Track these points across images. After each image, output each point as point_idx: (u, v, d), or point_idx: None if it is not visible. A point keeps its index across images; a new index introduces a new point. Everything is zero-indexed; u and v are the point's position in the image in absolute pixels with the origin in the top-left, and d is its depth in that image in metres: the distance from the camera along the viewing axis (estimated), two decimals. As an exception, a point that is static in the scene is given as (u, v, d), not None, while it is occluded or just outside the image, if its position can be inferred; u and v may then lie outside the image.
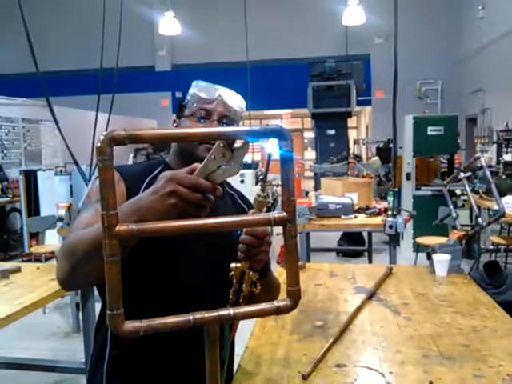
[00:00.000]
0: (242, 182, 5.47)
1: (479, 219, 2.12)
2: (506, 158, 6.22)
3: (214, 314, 0.73)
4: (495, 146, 6.55)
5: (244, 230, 0.93)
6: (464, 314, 1.57)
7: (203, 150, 1.10)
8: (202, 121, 1.14)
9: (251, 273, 0.89)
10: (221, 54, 11.43)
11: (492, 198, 4.31)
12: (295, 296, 0.75)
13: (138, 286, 1.05)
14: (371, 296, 1.79)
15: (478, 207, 4.07)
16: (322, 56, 9.30)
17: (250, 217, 0.73)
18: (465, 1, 10.18)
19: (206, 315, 0.72)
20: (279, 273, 2.16)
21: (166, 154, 1.31)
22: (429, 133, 5.54)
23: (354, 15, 6.72)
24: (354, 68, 8.19)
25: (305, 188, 9.51)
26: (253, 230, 0.90)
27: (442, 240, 2.75)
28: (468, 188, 2.42)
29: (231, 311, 0.73)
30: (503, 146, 6.32)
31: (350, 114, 8.29)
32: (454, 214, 2.39)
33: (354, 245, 5.74)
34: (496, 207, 3.25)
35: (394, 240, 3.51)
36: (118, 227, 0.68)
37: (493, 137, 7.24)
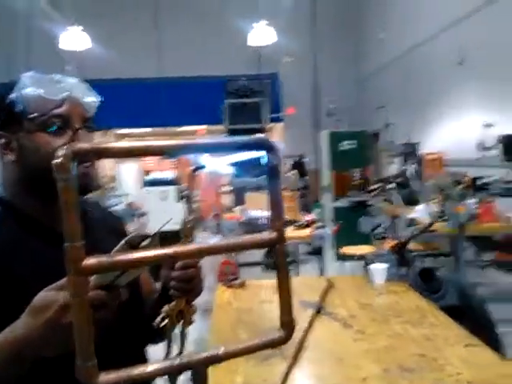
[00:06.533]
0: (164, 199, 5.25)
1: (412, 228, 2.21)
2: (410, 169, 6.73)
3: (202, 356, 0.63)
4: (398, 158, 7.07)
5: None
6: (413, 323, 1.59)
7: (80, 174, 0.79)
8: (59, 132, 0.82)
9: (191, 308, 0.79)
10: (133, 69, 11.08)
11: (408, 207, 4.57)
12: (289, 326, 0.68)
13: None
14: (319, 310, 1.76)
15: (396, 216, 4.31)
16: (237, 74, 9.44)
17: (243, 240, 0.64)
18: (367, 23, 10.96)
19: (194, 358, 0.62)
20: (221, 291, 2.09)
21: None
22: (343, 147, 5.79)
23: (263, 35, 7.09)
24: (265, 86, 8.45)
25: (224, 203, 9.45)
26: (187, 261, 0.81)
27: (368, 249, 2.84)
28: (394, 198, 2.53)
29: (220, 351, 0.63)
30: (405, 158, 6.84)
31: (263, 130, 8.51)
32: (383, 225, 2.48)
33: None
34: (413, 215, 3.46)
35: (322, 251, 3.58)
36: (85, 261, 0.55)
37: (395, 150, 7.82)
